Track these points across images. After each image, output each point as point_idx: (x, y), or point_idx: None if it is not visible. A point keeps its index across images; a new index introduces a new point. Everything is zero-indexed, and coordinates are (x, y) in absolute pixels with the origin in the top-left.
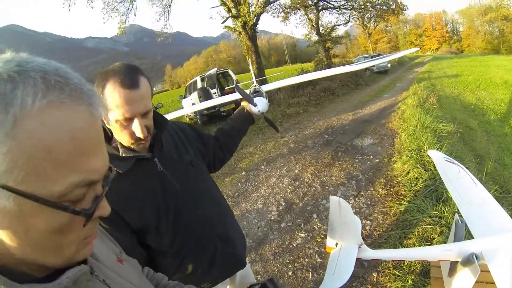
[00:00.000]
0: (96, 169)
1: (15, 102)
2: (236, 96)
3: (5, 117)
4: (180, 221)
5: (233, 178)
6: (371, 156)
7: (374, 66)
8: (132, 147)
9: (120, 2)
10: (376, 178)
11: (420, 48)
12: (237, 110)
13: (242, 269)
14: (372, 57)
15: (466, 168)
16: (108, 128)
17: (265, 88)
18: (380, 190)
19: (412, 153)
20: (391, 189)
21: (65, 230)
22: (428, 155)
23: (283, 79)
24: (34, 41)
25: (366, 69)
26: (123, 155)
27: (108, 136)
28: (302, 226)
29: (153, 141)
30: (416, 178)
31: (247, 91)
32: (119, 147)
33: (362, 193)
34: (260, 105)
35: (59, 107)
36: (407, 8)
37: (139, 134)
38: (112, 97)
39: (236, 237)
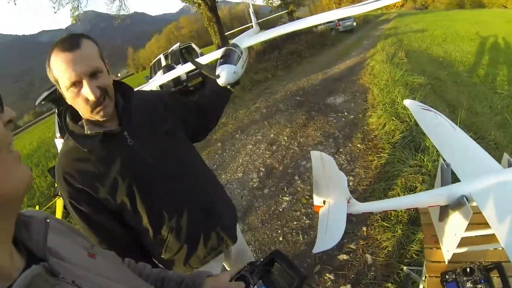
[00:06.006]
0: None
1: None
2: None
3: None
4: (154, 196)
5: (209, 151)
6: (346, 113)
7: (339, 25)
8: (94, 117)
9: None
10: (353, 134)
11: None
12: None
13: (236, 245)
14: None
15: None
16: (70, 105)
17: (247, 42)
18: (359, 145)
19: (386, 106)
20: (370, 143)
21: None
22: (403, 105)
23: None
24: None
25: (331, 29)
26: (88, 132)
27: (76, 116)
28: (285, 189)
29: (121, 113)
30: (393, 130)
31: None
32: (84, 124)
33: (341, 149)
34: (225, 75)
35: None
36: None
37: (90, 96)
38: (55, 64)
39: (223, 210)
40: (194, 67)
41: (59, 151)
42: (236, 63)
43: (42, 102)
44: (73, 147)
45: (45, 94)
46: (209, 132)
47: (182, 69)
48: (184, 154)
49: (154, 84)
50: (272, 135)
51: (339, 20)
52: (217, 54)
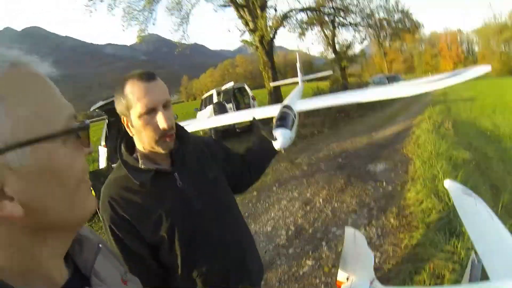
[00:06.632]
0: (71, 106)
1: None
2: (253, 114)
3: None
4: (192, 240)
5: (244, 197)
6: (384, 183)
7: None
8: (156, 149)
9: (140, 11)
10: (388, 206)
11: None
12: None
13: None
14: (387, 78)
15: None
16: (130, 138)
17: (299, 106)
18: (392, 220)
19: (426, 182)
20: (403, 219)
21: (75, 161)
22: (443, 185)
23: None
24: (56, 44)
25: None
26: (142, 166)
27: (130, 146)
28: (310, 253)
29: (174, 155)
30: (430, 208)
31: (278, 108)
32: (139, 157)
33: (373, 222)
34: (281, 140)
35: (25, 66)
36: (423, 26)
37: (163, 124)
38: (132, 91)
39: (252, 264)
40: (245, 117)
41: (100, 158)
42: (291, 127)
43: (96, 110)
44: (124, 176)
45: (101, 103)
46: (250, 186)
47: (235, 118)
48: (227, 203)
49: (204, 125)
50: (308, 195)
51: (389, 81)
52: (271, 110)
